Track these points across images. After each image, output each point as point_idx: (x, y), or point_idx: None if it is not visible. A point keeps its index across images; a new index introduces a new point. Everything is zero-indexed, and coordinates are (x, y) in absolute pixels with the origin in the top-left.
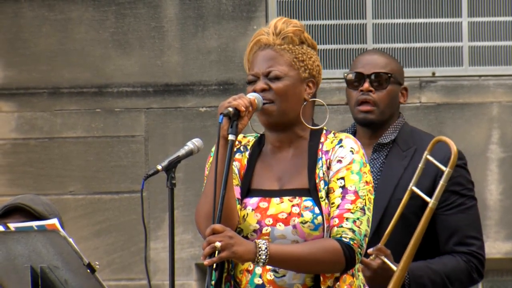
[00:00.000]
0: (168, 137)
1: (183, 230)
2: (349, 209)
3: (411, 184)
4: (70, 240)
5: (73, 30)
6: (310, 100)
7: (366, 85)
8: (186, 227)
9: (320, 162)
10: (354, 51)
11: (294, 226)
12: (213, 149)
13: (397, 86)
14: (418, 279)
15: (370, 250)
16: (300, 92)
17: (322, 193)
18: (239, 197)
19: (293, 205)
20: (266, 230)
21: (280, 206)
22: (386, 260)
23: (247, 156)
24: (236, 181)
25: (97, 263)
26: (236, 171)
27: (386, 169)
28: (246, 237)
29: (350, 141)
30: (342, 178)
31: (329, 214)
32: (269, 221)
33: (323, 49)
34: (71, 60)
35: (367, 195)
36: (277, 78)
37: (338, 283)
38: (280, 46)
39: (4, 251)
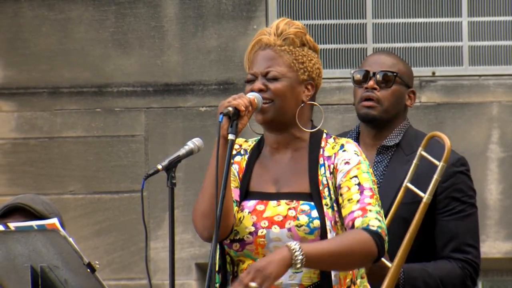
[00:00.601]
0: (168, 137)
1: (183, 230)
2: (370, 203)
3: (405, 181)
4: (70, 239)
5: (73, 30)
6: (308, 102)
7: (371, 82)
8: (186, 226)
9: (322, 168)
10: (354, 51)
11: (289, 229)
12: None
13: (403, 87)
14: (412, 280)
15: None
16: (298, 94)
17: (327, 201)
18: (238, 199)
19: (289, 208)
20: (262, 232)
21: (276, 209)
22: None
23: (246, 159)
24: (235, 183)
25: (97, 262)
26: (236, 174)
27: (389, 172)
28: (242, 239)
29: (352, 146)
30: (356, 176)
31: (335, 221)
32: (264, 223)
33: (323, 49)
34: (71, 60)
35: (377, 193)
36: (275, 79)
37: None
38: (280, 47)
39: (4, 251)
